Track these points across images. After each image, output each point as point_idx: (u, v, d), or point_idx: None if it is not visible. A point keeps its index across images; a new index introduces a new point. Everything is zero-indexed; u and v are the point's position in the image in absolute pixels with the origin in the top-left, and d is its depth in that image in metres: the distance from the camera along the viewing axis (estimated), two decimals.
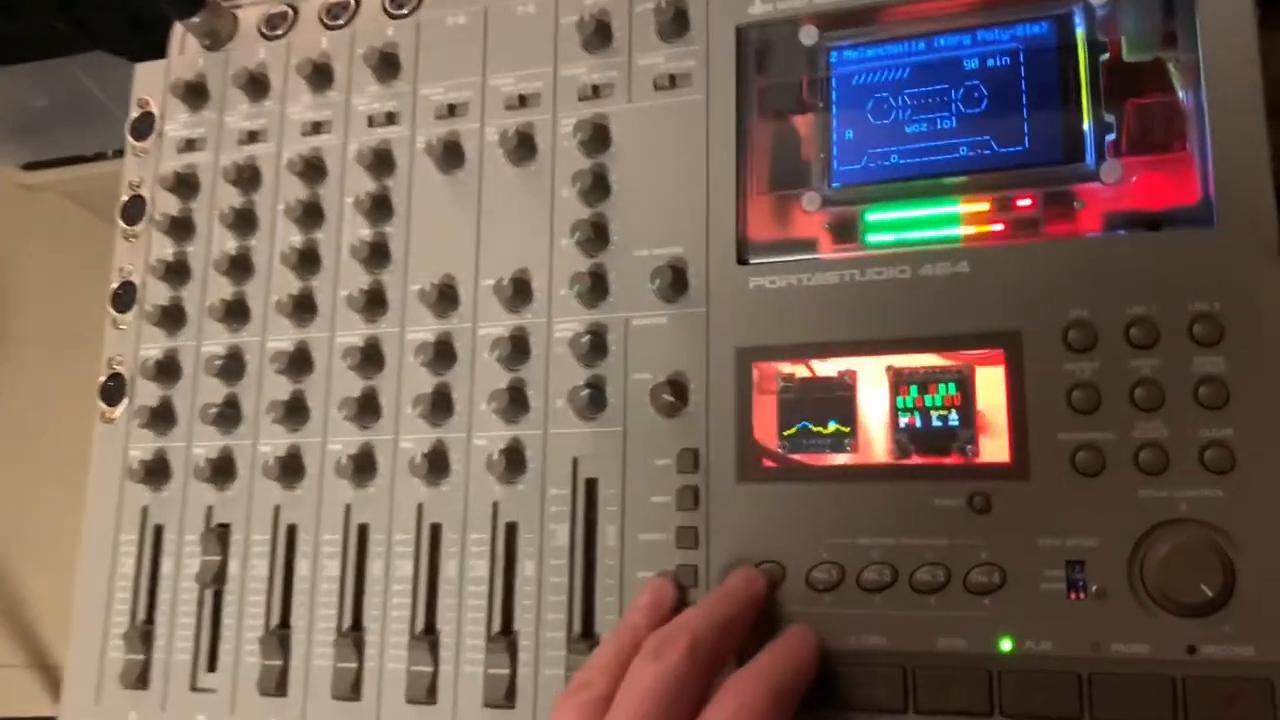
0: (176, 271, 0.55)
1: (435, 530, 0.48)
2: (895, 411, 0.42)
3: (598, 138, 0.48)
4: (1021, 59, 0.44)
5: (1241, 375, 0.38)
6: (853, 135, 0.46)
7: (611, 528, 0.45)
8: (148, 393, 0.54)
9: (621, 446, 0.45)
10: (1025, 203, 0.42)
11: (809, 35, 0.47)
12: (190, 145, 0.58)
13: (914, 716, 0.39)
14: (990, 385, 0.40)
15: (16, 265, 0.91)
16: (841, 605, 0.40)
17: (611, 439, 0.45)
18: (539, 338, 0.48)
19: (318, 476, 0.50)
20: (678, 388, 0.44)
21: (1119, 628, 0.37)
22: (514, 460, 0.46)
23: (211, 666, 0.50)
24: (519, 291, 0.48)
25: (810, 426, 0.42)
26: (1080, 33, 0.43)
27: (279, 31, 0.58)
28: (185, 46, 0.60)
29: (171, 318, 0.55)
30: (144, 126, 0.59)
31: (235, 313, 0.53)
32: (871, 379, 0.42)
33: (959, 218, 0.43)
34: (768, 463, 0.43)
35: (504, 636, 0.45)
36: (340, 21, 0.56)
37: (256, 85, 0.56)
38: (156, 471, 0.53)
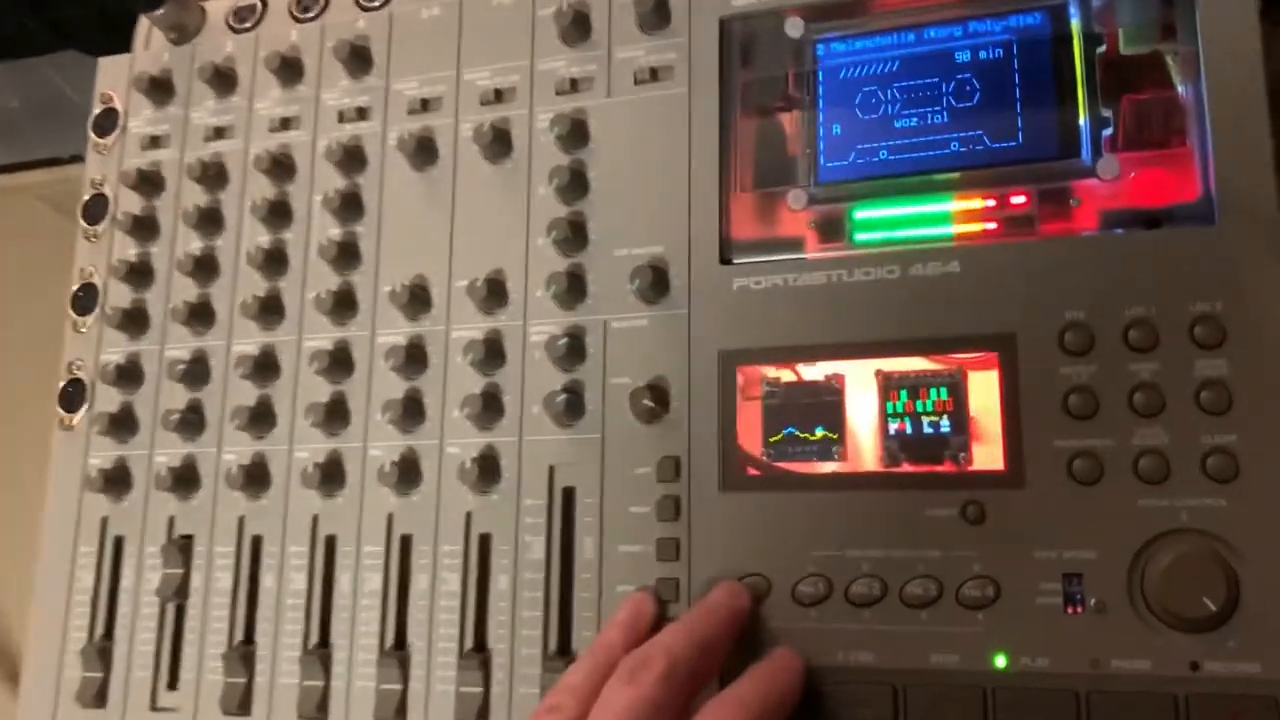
0: (139, 273, 0.54)
1: (406, 542, 0.46)
2: (885, 417, 0.40)
3: (576, 133, 0.47)
4: (1015, 51, 0.42)
5: (1245, 379, 0.37)
6: (840, 130, 0.44)
7: (589, 539, 0.43)
8: (108, 398, 0.53)
9: (600, 454, 0.43)
10: (1019, 200, 0.41)
11: (795, 27, 0.45)
12: (155, 142, 0.56)
13: None
14: (983, 390, 0.39)
15: None
16: (829, 620, 0.39)
17: (589, 446, 0.44)
18: (514, 341, 0.46)
19: (284, 486, 0.48)
20: (658, 393, 0.43)
21: (1118, 643, 0.36)
22: (488, 469, 0.44)
23: (172, 684, 0.48)
24: (493, 293, 0.46)
25: (796, 433, 0.41)
26: (1075, 24, 0.42)
27: (247, 25, 0.56)
28: (151, 41, 0.58)
29: (134, 321, 0.53)
30: (107, 123, 0.57)
31: (199, 315, 0.52)
32: (860, 383, 0.41)
33: (950, 216, 0.42)
34: (752, 471, 0.41)
35: (477, 653, 0.43)
36: (310, 14, 0.54)
37: (223, 80, 0.55)
38: (117, 480, 0.51)
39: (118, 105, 0.57)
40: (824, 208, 0.44)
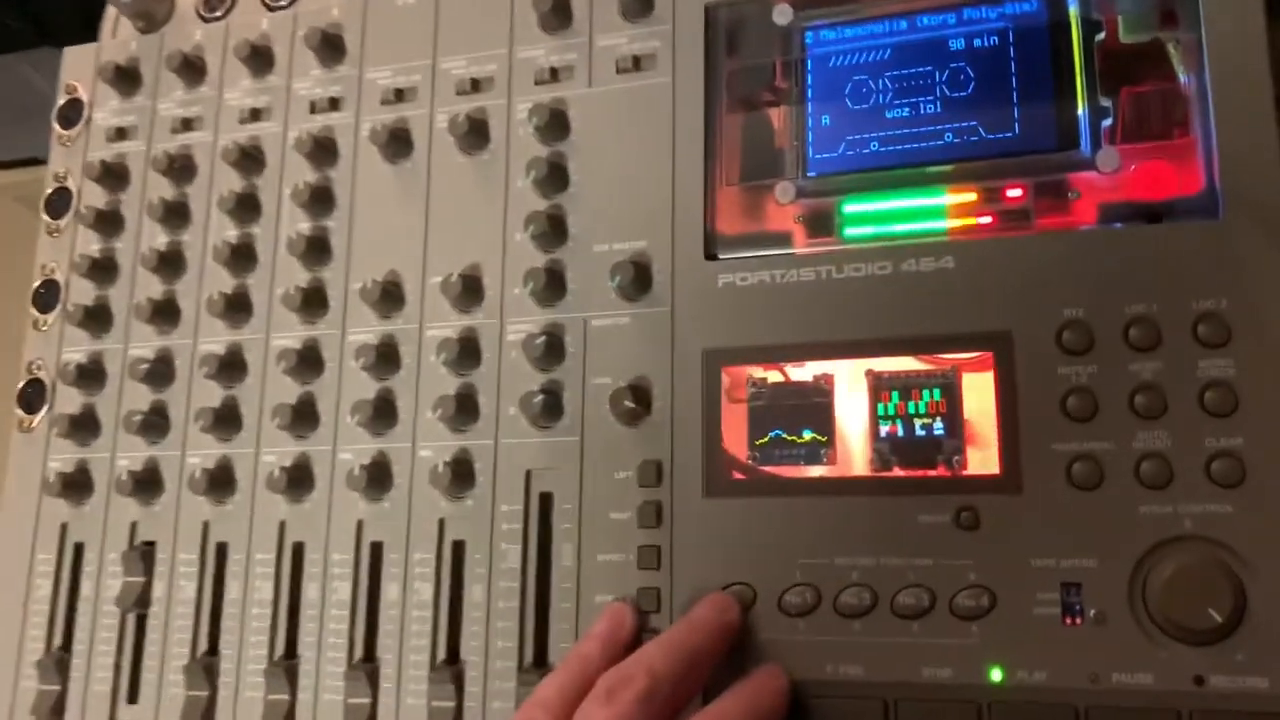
0: (102, 268, 0.52)
1: (376, 549, 0.45)
2: (875, 420, 0.39)
3: (555, 124, 0.45)
4: (1011, 39, 0.41)
5: (1251, 379, 0.35)
6: (829, 121, 0.43)
7: (567, 547, 0.41)
8: (69, 399, 0.51)
9: (579, 458, 0.42)
10: (1015, 193, 0.40)
11: (783, 14, 0.44)
12: (120, 134, 0.54)
13: None
14: (978, 391, 0.38)
15: None
16: (817, 631, 0.38)
17: (568, 450, 0.42)
18: (490, 340, 0.45)
19: (250, 490, 0.47)
20: (640, 394, 0.41)
21: (1119, 656, 0.35)
22: (462, 473, 0.43)
23: (133, 698, 0.47)
24: (469, 290, 0.45)
25: (784, 436, 0.40)
26: (1073, 11, 0.41)
27: (218, 13, 0.54)
28: (118, 29, 0.57)
29: (96, 318, 0.51)
30: (72, 113, 0.56)
31: (164, 313, 0.50)
32: (850, 384, 0.39)
33: (944, 209, 0.41)
34: (737, 475, 0.40)
35: (449, 666, 0.42)
36: (282, 2, 0.53)
37: (192, 69, 0.53)
38: (77, 485, 0.49)
39: (83, 96, 0.56)
40: (813, 201, 0.42)
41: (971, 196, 0.40)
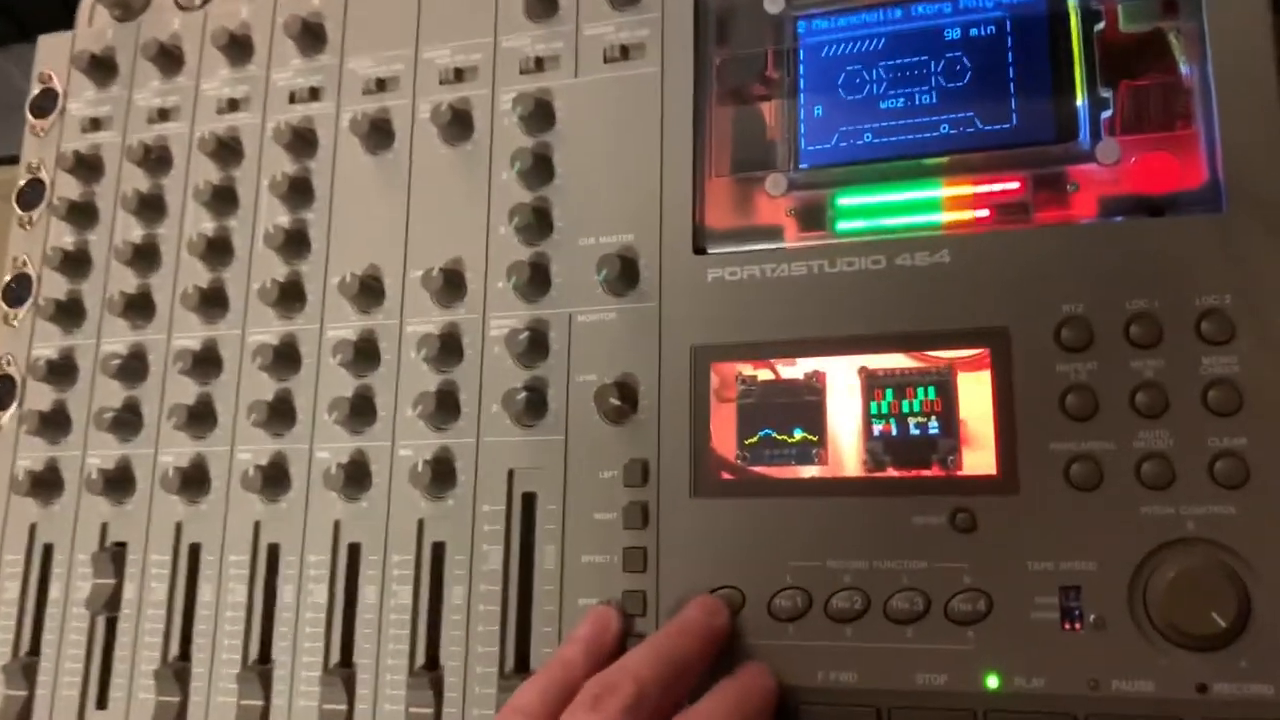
0: (75, 262, 0.51)
1: (354, 551, 0.43)
2: (869, 418, 0.38)
3: (540, 114, 0.44)
4: (1008, 28, 0.40)
5: (1255, 377, 0.35)
6: (822, 112, 0.42)
7: (550, 548, 0.40)
8: (39, 395, 0.50)
9: (563, 457, 0.41)
10: (1013, 186, 0.39)
11: (774, 3, 0.43)
12: (95, 124, 0.53)
13: None
14: (974, 389, 0.37)
15: None
16: (807, 636, 0.37)
17: (552, 449, 0.41)
18: (472, 335, 0.44)
19: (224, 490, 0.46)
20: (626, 391, 0.40)
21: (1120, 663, 0.34)
22: (442, 472, 0.42)
23: (102, 704, 0.46)
24: (450, 284, 0.43)
25: (774, 435, 0.39)
26: (1072, 0, 0.39)
27: (196, 2, 0.53)
28: (94, 17, 0.55)
29: (68, 313, 0.50)
30: (45, 103, 0.55)
31: (138, 307, 0.49)
32: (842, 382, 0.39)
33: (939, 202, 0.40)
34: (726, 475, 0.39)
35: (428, 671, 0.41)
36: None
37: (169, 59, 0.52)
38: (46, 483, 0.48)
39: (57, 85, 0.54)
40: (804, 194, 0.41)
41: (968, 189, 0.39)
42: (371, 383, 0.44)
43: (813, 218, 0.41)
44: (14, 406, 0.50)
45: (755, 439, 0.39)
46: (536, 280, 0.42)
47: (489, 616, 0.40)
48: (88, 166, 0.52)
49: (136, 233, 0.50)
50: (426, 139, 0.46)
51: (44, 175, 0.53)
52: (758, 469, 0.39)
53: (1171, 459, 0.35)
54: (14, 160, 0.75)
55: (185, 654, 0.45)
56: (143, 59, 0.52)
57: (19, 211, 0.53)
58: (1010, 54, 0.40)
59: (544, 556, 0.40)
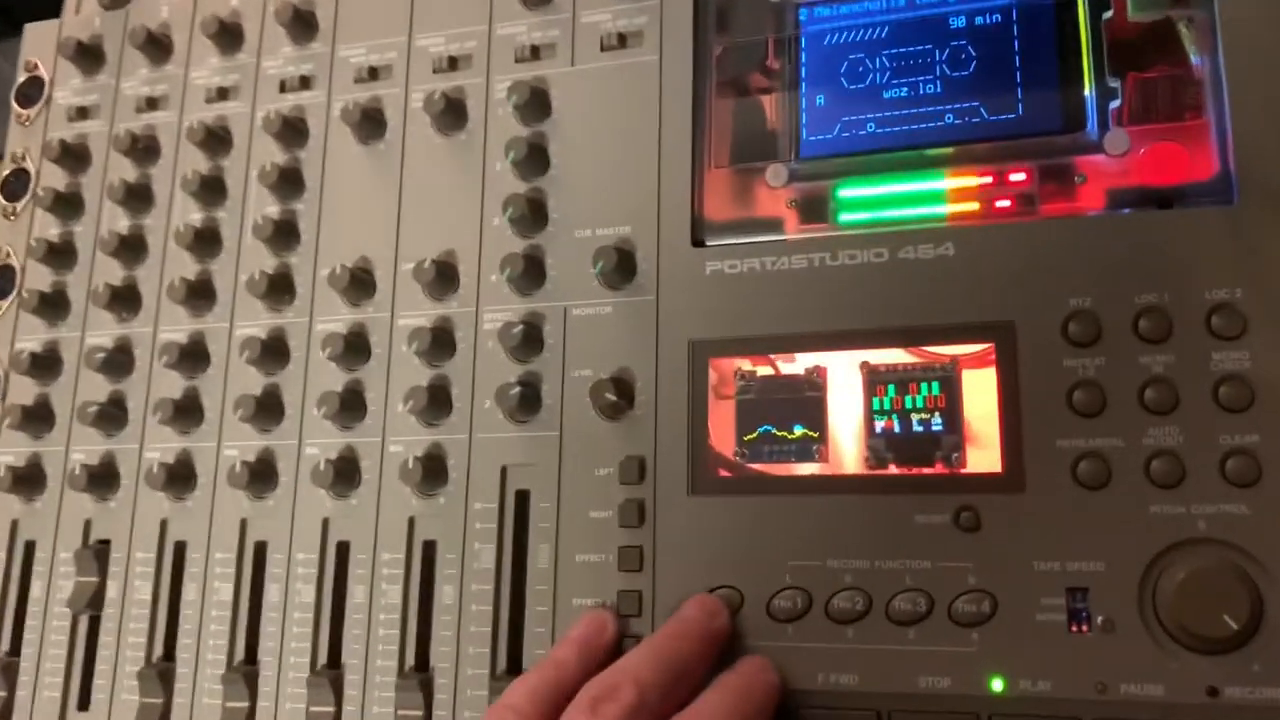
0: (60, 253, 0.50)
1: (342, 549, 0.43)
2: (870, 415, 0.37)
3: (536, 104, 0.43)
4: (1014, 16, 0.40)
5: (1267, 373, 0.34)
6: (824, 101, 0.41)
7: (544, 547, 0.40)
8: (22, 389, 0.49)
9: (557, 454, 0.40)
10: (1019, 177, 0.38)
11: None
12: (82, 113, 0.52)
13: None
14: (979, 385, 0.36)
15: None
16: (807, 638, 0.36)
17: (546, 445, 0.40)
18: (465, 329, 0.43)
19: (210, 487, 0.45)
20: (623, 386, 0.40)
21: (1128, 666, 0.33)
22: (434, 469, 0.41)
23: (84, 705, 0.45)
24: (443, 276, 0.43)
25: (773, 431, 0.38)
26: None
27: None
28: (82, 4, 0.55)
29: (52, 305, 0.49)
30: (31, 92, 0.54)
31: (124, 299, 0.48)
32: (843, 377, 0.38)
33: (944, 194, 0.39)
34: (724, 473, 0.38)
35: (418, 673, 0.40)
36: None
37: (158, 47, 0.51)
38: (28, 479, 0.47)
39: (43, 74, 0.53)
40: (806, 185, 0.41)
41: (972, 180, 0.39)
42: (362, 377, 0.43)
43: (814, 209, 0.40)
44: None
45: (754, 435, 0.38)
46: (531, 273, 0.41)
47: (481, 617, 0.40)
48: (74, 156, 0.51)
49: (123, 223, 0.49)
50: (419, 128, 0.45)
51: (29, 165, 0.52)
52: (757, 466, 0.38)
53: (1182, 456, 0.34)
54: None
55: (170, 654, 0.44)
56: (131, 47, 0.51)
57: (3, 202, 0.52)
58: (1016, 42, 0.39)
59: (537, 555, 0.40)
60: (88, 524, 0.46)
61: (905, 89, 0.40)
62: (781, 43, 0.42)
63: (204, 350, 0.46)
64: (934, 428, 0.36)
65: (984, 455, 0.36)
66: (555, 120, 0.43)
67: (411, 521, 0.41)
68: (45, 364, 0.48)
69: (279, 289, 0.45)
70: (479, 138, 0.44)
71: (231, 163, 0.48)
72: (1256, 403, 0.34)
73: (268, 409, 0.44)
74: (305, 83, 0.48)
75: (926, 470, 0.36)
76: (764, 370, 0.39)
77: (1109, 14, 0.38)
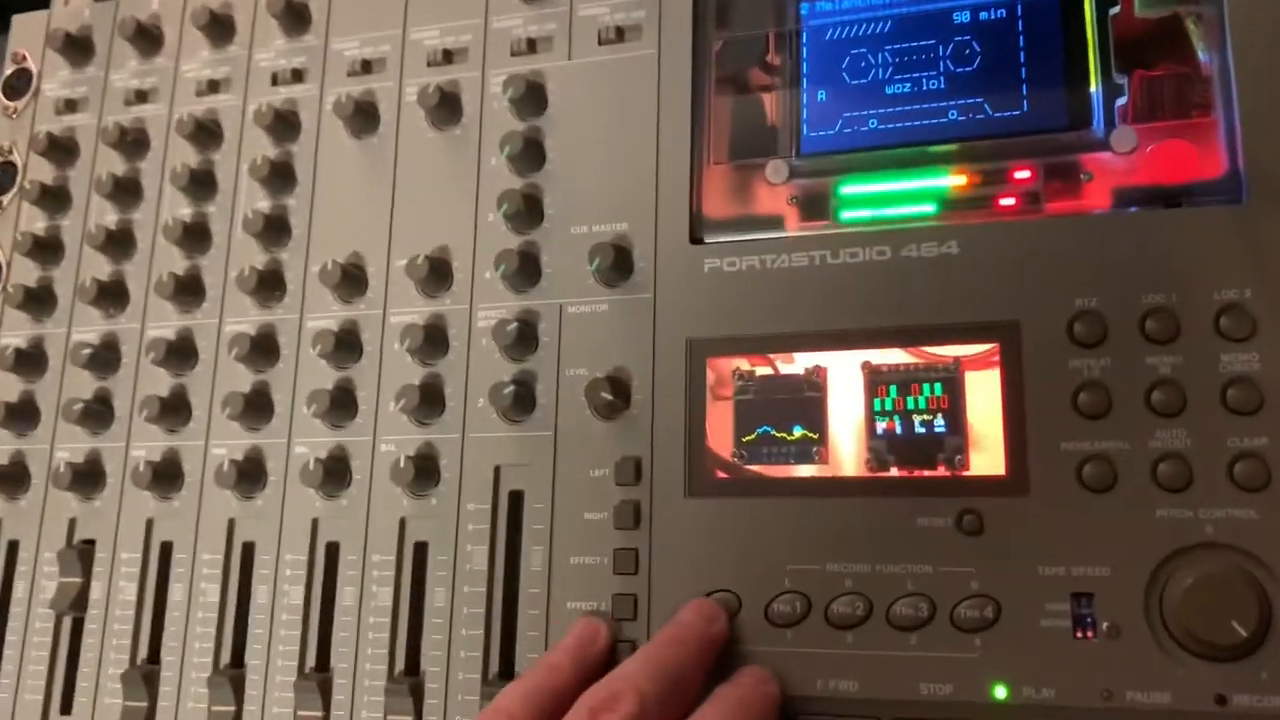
0: (46, 247, 0.49)
1: (332, 550, 0.42)
2: (871, 416, 0.37)
3: (532, 97, 0.43)
4: (1019, 12, 0.39)
5: (1276, 375, 0.33)
6: (825, 97, 0.41)
7: (538, 549, 0.39)
8: (7, 386, 0.48)
9: (552, 454, 0.40)
10: (1024, 174, 0.38)
11: None
12: (70, 106, 0.52)
13: None
14: (983, 386, 0.36)
15: None
16: (806, 643, 0.36)
17: (540, 445, 0.40)
18: (458, 327, 0.42)
19: (198, 486, 0.44)
20: (619, 386, 0.39)
21: (1135, 673, 0.33)
22: (425, 469, 0.40)
23: (66, 708, 0.44)
24: (436, 273, 0.42)
25: (772, 432, 0.38)
26: None
27: None
28: None
29: (38, 300, 0.49)
30: (19, 84, 0.53)
31: (111, 295, 0.47)
32: (844, 377, 0.37)
33: (947, 192, 0.39)
34: (722, 474, 0.38)
35: (408, 677, 0.39)
36: None
37: (148, 39, 0.50)
38: (12, 478, 0.47)
39: (31, 65, 0.53)
40: (806, 182, 0.40)
41: (976, 178, 0.38)
42: (353, 375, 0.43)
43: (815, 206, 0.40)
44: None
45: (753, 436, 0.38)
46: (526, 270, 0.41)
47: (473, 620, 0.39)
48: (62, 149, 0.50)
49: (111, 218, 0.49)
50: (413, 122, 0.45)
51: (15, 158, 0.51)
52: (755, 468, 0.37)
53: (1189, 460, 0.33)
54: None
55: (154, 657, 0.43)
56: (120, 39, 0.50)
57: None
58: (1021, 38, 0.39)
59: (531, 557, 0.39)
60: (72, 523, 0.46)
61: (908, 85, 0.39)
62: (782, 37, 0.41)
63: (192, 347, 0.45)
64: (936, 429, 0.36)
65: (987, 457, 0.35)
66: (552, 115, 0.43)
67: (403, 522, 0.41)
68: (30, 360, 0.48)
69: (269, 285, 0.44)
70: (474, 132, 0.44)
71: (222, 156, 0.48)
72: (1265, 405, 0.33)
73: (257, 407, 0.43)
74: (297, 75, 0.47)
75: (929, 472, 0.36)
76: (763, 370, 0.38)
77: (1116, 9, 0.38)
